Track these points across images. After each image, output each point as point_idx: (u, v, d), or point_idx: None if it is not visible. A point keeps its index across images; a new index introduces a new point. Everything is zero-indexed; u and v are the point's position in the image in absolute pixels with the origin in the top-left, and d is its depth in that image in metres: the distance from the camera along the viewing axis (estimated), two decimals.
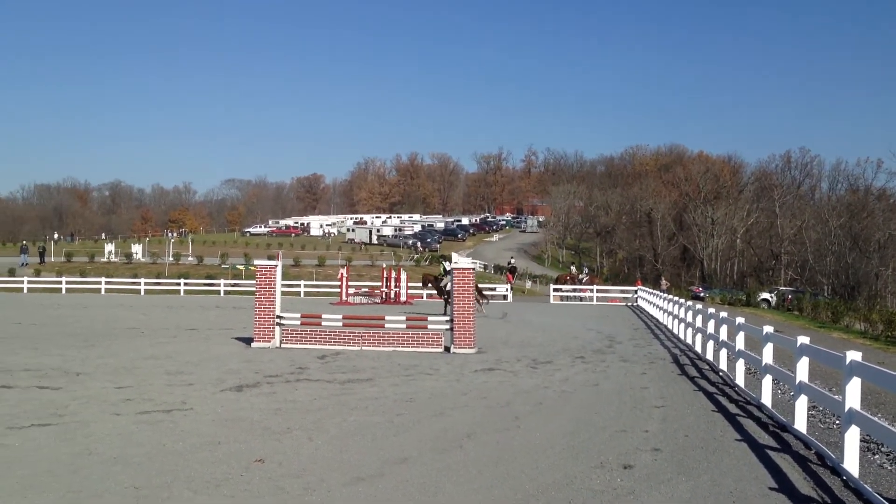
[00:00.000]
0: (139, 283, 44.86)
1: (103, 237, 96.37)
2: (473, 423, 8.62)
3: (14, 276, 46.64)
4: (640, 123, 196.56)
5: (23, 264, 54.01)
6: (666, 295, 29.05)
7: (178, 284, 44.67)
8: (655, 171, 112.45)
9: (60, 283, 44.85)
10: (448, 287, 31.84)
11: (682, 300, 20.94)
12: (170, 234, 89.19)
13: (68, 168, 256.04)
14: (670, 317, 22.47)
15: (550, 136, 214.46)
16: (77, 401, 9.60)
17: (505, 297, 40.72)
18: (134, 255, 61.86)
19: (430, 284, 32.76)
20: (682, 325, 19.18)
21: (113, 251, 63.57)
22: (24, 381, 11.18)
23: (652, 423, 8.75)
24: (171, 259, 57.73)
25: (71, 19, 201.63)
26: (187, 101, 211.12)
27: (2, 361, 13.26)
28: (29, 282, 45.08)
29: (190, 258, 60.69)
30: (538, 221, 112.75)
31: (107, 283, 44.68)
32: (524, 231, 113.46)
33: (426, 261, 62.35)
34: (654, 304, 30.05)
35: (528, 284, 50.45)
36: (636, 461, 7.02)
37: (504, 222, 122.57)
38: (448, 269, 32.70)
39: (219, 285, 44.40)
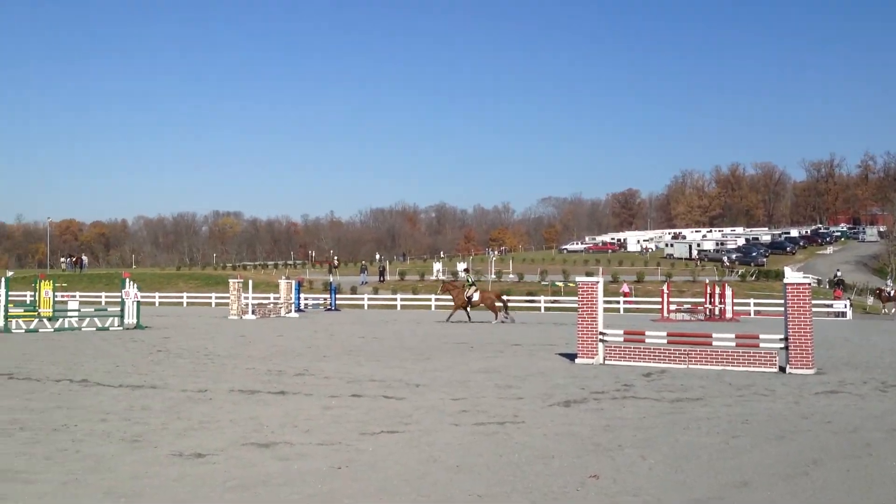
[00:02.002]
0: None
1: (432, 256, 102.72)
2: (818, 449, 8.03)
3: (355, 294, 51.09)
4: None
5: (363, 283, 58.97)
6: None
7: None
8: None
9: (395, 300, 48.39)
10: (474, 298, 31.08)
11: None
12: (491, 253, 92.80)
13: (400, 192, 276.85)
14: None
15: (890, 139, 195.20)
16: (419, 410, 10.27)
17: (842, 314, 37.68)
18: (459, 273, 65.13)
19: (449, 292, 33.03)
20: None
21: (440, 269, 67.46)
22: (371, 391, 12.18)
23: None
24: (493, 276, 60.03)
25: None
26: (506, 126, 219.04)
27: (351, 372, 14.54)
28: (369, 299, 49.16)
29: (511, 275, 62.77)
30: (878, 231, 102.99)
31: (436, 299, 47.44)
32: (862, 242, 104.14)
33: (752, 276, 59.30)
34: None
35: (870, 301, 46.24)
36: None
37: (839, 233, 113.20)
38: (472, 281, 32.38)
39: (539, 301, 45.42)
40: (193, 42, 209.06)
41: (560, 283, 50.81)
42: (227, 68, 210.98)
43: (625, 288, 47.64)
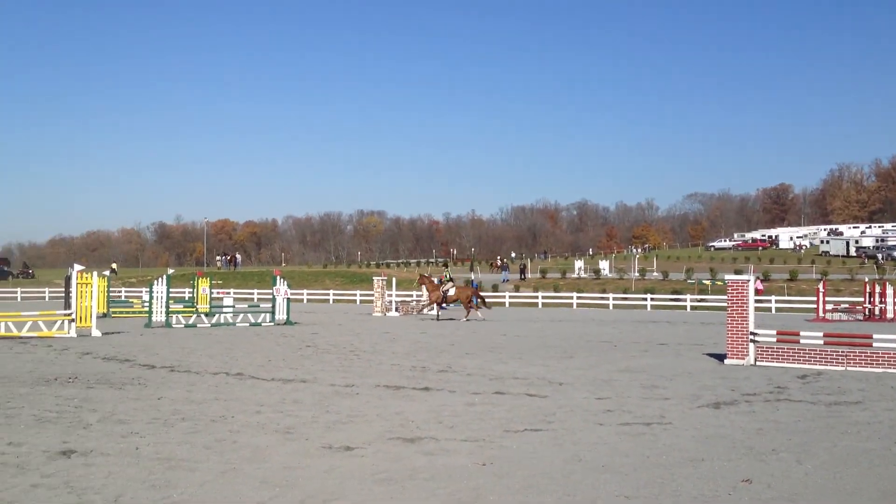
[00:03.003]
0: (607, 298, 46.49)
1: (573, 254, 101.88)
2: None
3: (497, 292, 51.24)
4: None
5: (504, 280, 59.06)
6: None
7: (645, 299, 45.41)
8: None
9: (537, 297, 48.25)
10: (450, 293, 30.37)
11: None
12: (634, 250, 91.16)
13: (541, 190, 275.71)
14: None
15: None
16: (562, 409, 10.19)
17: None
18: (601, 270, 64.31)
19: (424, 286, 32.30)
20: None
21: (582, 267, 66.78)
22: (514, 388, 12.18)
23: None
24: (636, 274, 58.94)
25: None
26: (648, 122, 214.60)
27: (494, 370, 14.59)
28: (510, 297, 49.23)
29: (655, 273, 61.45)
30: None
31: (578, 297, 47.02)
32: None
33: None
34: None
35: None
36: None
37: None
38: (450, 276, 31.61)
39: (685, 300, 44.27)
40: (328, 45, 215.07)
41: (707, 282, 49.31)
42: (368, 72, 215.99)
43: (757, 285, 45.70)
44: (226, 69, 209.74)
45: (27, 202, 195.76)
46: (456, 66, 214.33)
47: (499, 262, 73.60)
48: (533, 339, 22.24)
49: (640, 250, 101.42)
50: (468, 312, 31.04)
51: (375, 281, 37.20)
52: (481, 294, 32.81)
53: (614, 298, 46.36)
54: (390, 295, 37.84)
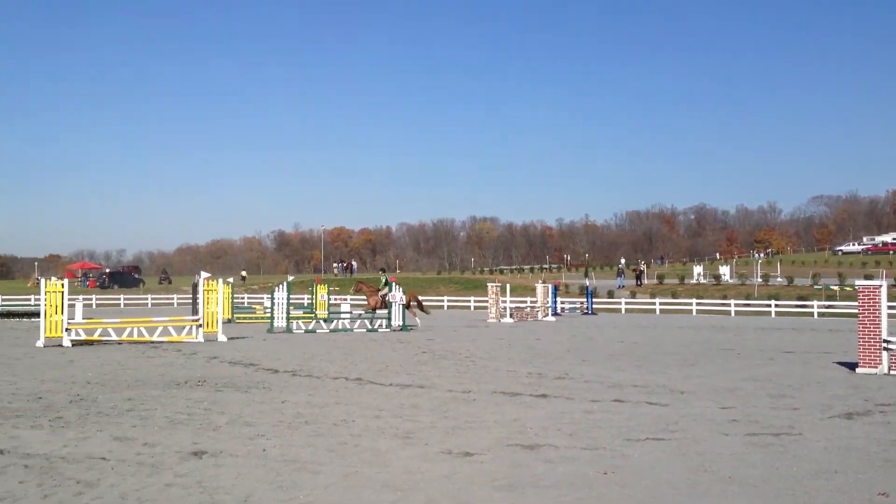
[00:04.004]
0: (728, 304, 45.24)
1: (691, 259, 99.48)
2: None
3: (612, 298, 50.53)
4: None
5: (619, 286, 58.19)
6: None
7: (769, 306, 43.97)
8: None
9: (654, 304, 47.33)
10: (388, 298, 28.86)
11: None
12: (756, 255, 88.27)
13: (656, 194, 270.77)
14: None
15: None
16: (684, 418, 9.94)
17: None
18: (722, 276, 62.58)
19: (362, 293, 31.18)
20: None
21: (701, 273, 65.17)
22: (633, 396, 11.96)
23: None
24: (759, 280, 57.08)
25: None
26: (768, 122, 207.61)
27: (612, 377, 14.37)
28: (626, 303, 48.46)
29: (779, 279, 59.38)
30: None
31: (697, 303, 45.89)
32: None
33: None
34: None
35: None
36: None
37: None
38: (387, 280, 30.11)
39: (811, 307, 42.63)
40: (438, 49, 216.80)
41: (835, 287, 47.31)
42: (483, 80, 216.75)
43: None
44: (339, 77, 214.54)
45: (157, 213, 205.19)
46: (573, 69, 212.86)
47: (625, 266, 72.54)
48: (651, 346, 21.81)
49: (762, 255, 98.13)
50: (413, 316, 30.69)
51: (490, 287, 37.24)
52: (419, 298, 32.59)
53: (736, 305, 45.09)
54: (504, 301, 37.82)
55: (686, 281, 60.69)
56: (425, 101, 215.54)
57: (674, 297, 49.88)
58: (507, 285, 40.41)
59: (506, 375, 14.62)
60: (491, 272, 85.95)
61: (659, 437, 8.67)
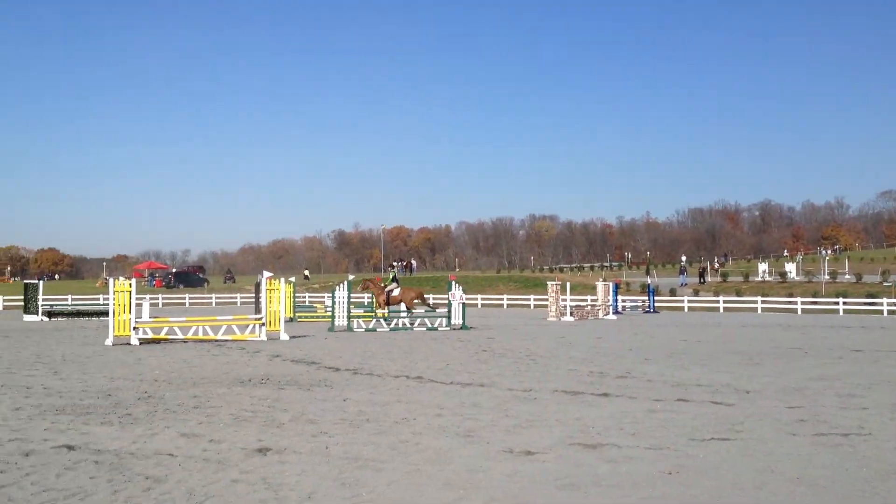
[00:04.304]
0: (795, 302, 44.31)
1: (756, 257, 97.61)
2: None
3: (675, 296, 49.85)
4: None
5: (682, 284, 57.39)
6: None
7: (836, 303, 42.95)
8: None
9: (718, 302, 46.56)
10: (394, 294, 29.22)
11: None
12: (823, 252, 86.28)
13: (720, 191, 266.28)
14: None
15: None
16: (750, 418, 9.76)
17: None
18: (787, 273, 61.31)
19: (369, 290, 31.29)
20: None
21: (766, 270, 63.94)
22: (697, 395, 11.78)
23: None
24: (826, 277, 55.77)
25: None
26: (836, 116, 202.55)
27: (675, 376, 14.18)
28: (689, 301, 47.77)
29: (847, 276, 57.96)
30: None
31: (762, 301, 45.03)
32: None
33: None
34: None
35: None
36: None
37: None
38: (394, 276, 30.62)
39: (881, 304, 41.53)
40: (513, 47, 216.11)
41: None
42: (543, 79, 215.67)
43: None
44: (398, 77, 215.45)
45: (220, 214, 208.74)
46: (633, 66, 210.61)
47: (706, 265, 71.60)
48: (715, 344, 21.48)
49: (829, 252, 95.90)
50: (410, 313, 30.60)
51: (549, 286, 37.06)
52: (425, 296, 32.54)
53: (803, 303, 44.15)
54: (564, 299, 37.58)
55: (751, 278, 59.54)
56: (485, 99, 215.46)
57: (738, 295, 49.00)
58: (567, 283, 40.15)
59: (567, 374, 14.53)
60: (550, 270, 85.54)
61: (724, 437, 8.53)
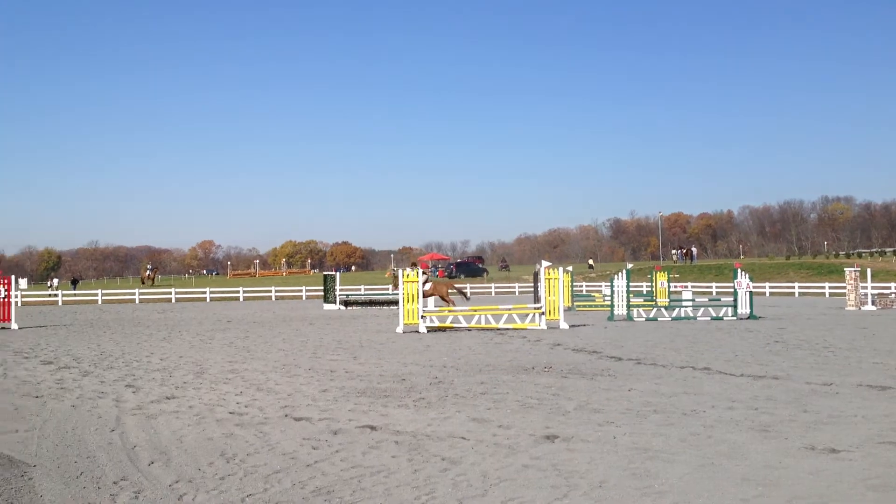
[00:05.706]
0: None
1: None
2: None
3: None
4: None
5: None
6: None
7: None
8: None
9: None
10: (426, 288, 27.79)
11: None
12: None
13: None
14: None
15: None
16: None
17: None
18: None
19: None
20: None
21: None
22: None
23: None
24: None
25: None
26: None
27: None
28: None
29: None
30: None
31: None
32: None
33: None
34: None
35: None
36: None
37: None
38: (422, 271, 25.53)
39: None
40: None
41: None
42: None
43: None
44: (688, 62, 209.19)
45: (496, 204, 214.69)
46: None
47: None
48: None
49: None
50: (448, 304, 29.30)
51: (847, 272, 34.34)
52: (457, 286, 30.63)
53: None
54: (865, 287, 34.64)
55: None
56: (765, 69, 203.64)
57: None
58: (868, 270, 36.95)
59: (871, 367, 13.39)
60: (847, 256, 79.29)
61: None
